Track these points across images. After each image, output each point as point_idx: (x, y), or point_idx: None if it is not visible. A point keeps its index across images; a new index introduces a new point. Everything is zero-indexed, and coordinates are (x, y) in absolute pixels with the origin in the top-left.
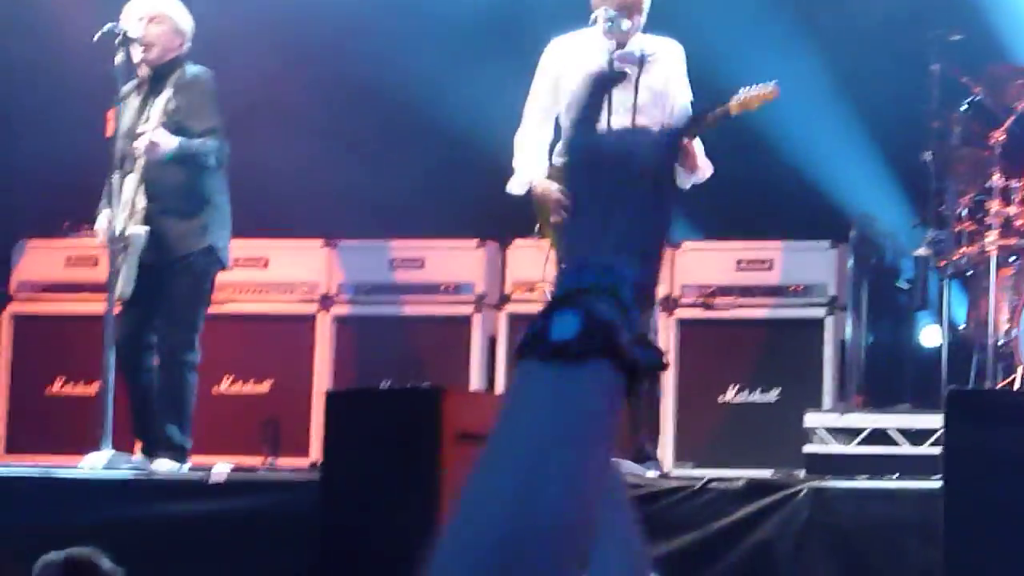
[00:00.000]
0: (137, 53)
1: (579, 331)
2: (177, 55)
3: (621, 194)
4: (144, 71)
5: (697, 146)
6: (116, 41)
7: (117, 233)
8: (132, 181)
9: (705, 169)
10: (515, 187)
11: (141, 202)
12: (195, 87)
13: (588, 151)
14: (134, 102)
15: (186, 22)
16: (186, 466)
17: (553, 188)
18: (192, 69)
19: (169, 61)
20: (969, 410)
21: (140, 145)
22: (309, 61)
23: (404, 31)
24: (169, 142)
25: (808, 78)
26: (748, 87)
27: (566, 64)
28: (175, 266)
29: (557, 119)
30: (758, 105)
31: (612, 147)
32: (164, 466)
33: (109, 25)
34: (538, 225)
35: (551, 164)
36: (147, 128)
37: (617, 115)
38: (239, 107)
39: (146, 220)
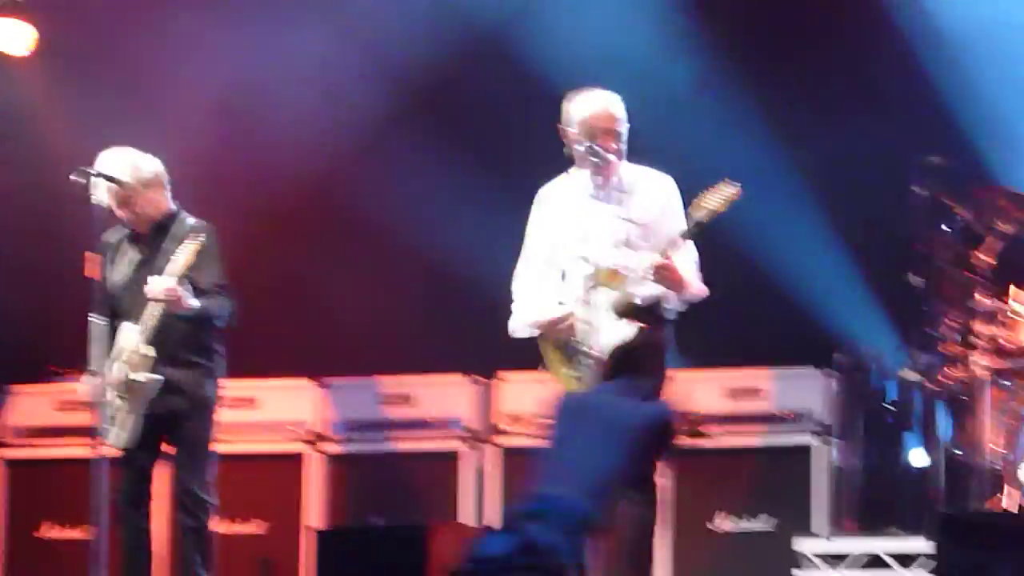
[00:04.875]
0: (125, 213)
1: (511, 549)
2: (170, 208)
3: (594, 444)
4: (139, 227)
5: (687, 265)
6: (89, 183)
7: (115, 379)
8: (133, 329)
9: (696, 289)
10: (520, 331)
11: (147, 351)
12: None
13: (579, 402)
14: (131, 254)
15: (161, 170)
16: None
17: (556, 314)
18: (191, 223)
19: (165, 216)
20: (957, 533)
21: (159, 296)
22: (297, 194)
23: (394, 165)
24: (192, 302)
25: (791, 201)
26: (706, 193)
27: (557, 212)
28: (189, 412)
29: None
30: (726, 207)
31: (602, 406)
32: None
33: (83, 169)
34: (544, 361)
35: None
36: (157, 281)
37: (605, 248)
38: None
39: (152, 369)
